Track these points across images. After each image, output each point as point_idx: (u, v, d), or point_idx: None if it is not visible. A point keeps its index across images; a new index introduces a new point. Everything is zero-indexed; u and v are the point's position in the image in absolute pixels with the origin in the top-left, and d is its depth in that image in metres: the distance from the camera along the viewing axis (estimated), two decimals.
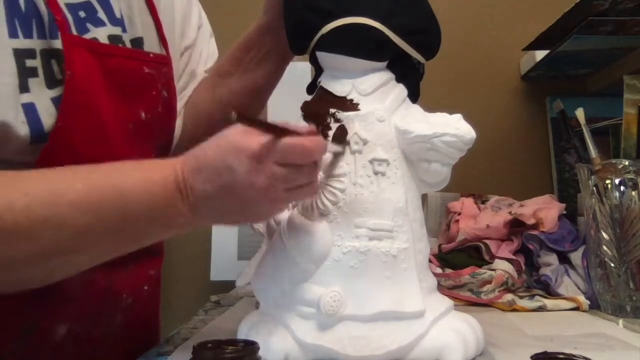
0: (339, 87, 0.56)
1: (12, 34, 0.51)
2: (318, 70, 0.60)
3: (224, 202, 0.48)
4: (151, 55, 0.64)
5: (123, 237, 0.49)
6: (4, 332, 0.55)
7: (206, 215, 0.49)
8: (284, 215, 0.55)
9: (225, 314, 0.78)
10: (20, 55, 0.52)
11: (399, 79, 0.57)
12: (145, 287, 0.71)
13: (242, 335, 0.52)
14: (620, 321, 0.70)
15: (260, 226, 0.60)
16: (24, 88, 0.51)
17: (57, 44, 0.54)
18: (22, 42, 0.52)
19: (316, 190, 0.51)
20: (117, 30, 0.61)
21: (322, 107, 0.56)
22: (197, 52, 0.75)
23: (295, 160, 0.46)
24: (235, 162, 0.45)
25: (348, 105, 0.55)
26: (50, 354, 0.58)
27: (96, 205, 0.46)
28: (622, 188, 0.74)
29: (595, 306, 0.78)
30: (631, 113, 0.85)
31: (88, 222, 0.46)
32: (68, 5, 0.56)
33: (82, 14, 0.58)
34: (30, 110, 0.52)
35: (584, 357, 0.40)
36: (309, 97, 0.60)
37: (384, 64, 0.57)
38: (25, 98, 0.51)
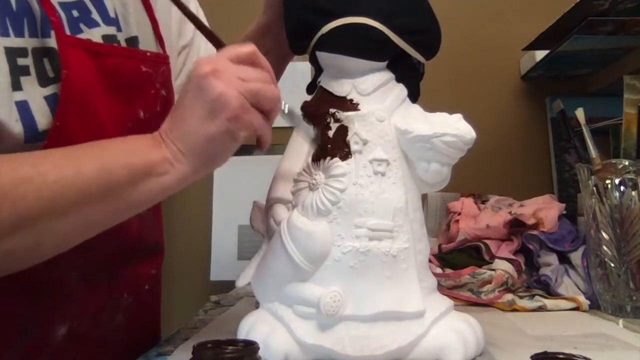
0: (339, 87, 0.56)
1: (3, 33, 0.51)
2: (318, 70, 0.60)
3: (192, 111, 0.49)
4: (148, 54, 0.64)
5: (107, 195, 0.48)
6: (3, 333, 0.55)
7: (187, 150, 0.50)
8: (284, 215, 0.55)
9: (225, 314, 0.78)
10: (12, 53, 0.51)
11: (399, 79, 0.57)
12: (146, 287, 0.71)
13: (242, 335, 0.52)
14: (620, 321, 0.70)
15: (261, 226, 0.60)
16: (16, 86, 0.51)
17: (50, 42, 0.54)
18: (14, 41, 0.52)
19: (275, 90, 0.52)
20: (111, 30, 0.61)
21: (322, 107, 0.56)
22: (194, 50, 0.75)
23: (242, 54, 0.51)
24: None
25: (348, 105, 0.55)
26: (51, 354, 0.58)
27: (76, 160, 0.48)
28: (622, 188, 0.74)
29: (595, 306, 0.78)
30: (631, 113, 0.85)
31: (69, 177, 0.46)
32: (61, 4, 0.56)
33: (75, 13, 0.57)
34: (23, 108, 0.52)
35: (584, 357, 0.40)
36: (309, 97, 0.60)
37: (384, 64, 0.57)
38: (19, 96, 0.51)
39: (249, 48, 0.51)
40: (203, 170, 0.52)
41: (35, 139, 0.52)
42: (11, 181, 0.44)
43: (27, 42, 0.53)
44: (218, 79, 0.48)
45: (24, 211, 0.45)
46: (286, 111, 0.55)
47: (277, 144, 0.70)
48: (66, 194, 0.46)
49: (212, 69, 0.48)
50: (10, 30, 0.52)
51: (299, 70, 1.05)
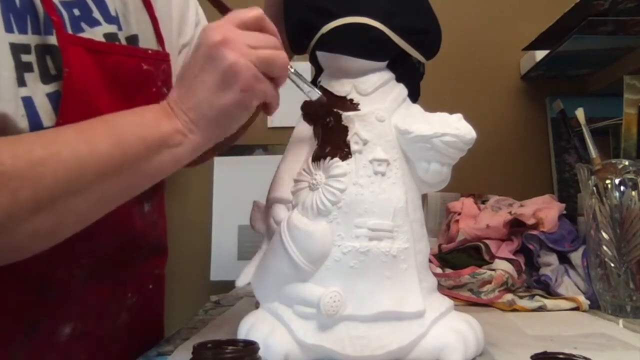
0: (339, 87, 0.56)
1: (8, 29, 0.51)
2: (318, 70, 0.60)
3: (202, 82, 0.49)
4: (149, 52, 0.64)
5: (122, 170, 0.48)
6: (7, 332, 0.55)
7: (200, 120, 0.50)
8: (284, 215, 0.55)
9: (225, 314, 0.78)
10: (16, 49, 0.52)
11: (399, 79, 0.57)
12: (150, 286, 0.71)
13: (242, 335, 0.52)
14: (620, 321, 0.70)
15: (261, 226, 0.60)
16: (21, 82, 0.52)
17: (52, 40, 0.54)
18: (18, 37, 0.52)
19: (284, 56, 0.52)
20: (112, 29, 0.61)
21: (322, 106, 0.56)
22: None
23: (248, 19, 0.51)
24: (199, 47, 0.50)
25: (348, 105, 0.55)
26: (55, 352, 0.58)
27: (88, 136, 0.48)
28: (622, 188, 0.74)
29: (595, 306, 0.78)
30: (631, 113, 0.85)
31: (83, 154, 0.47)
32: (63, 2, 0.56)
33: (76, 11, 0.58)
34: (28, 104, 0.52)
35: (584, 357, 0.40)
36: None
37: (384, 63, 0.57)
38: (24, 92, 0.52)
39: (255, 12, 0.52)
40: (215, 139, 0.52)
41: None
42: (27, 163, 0.44)
43: (30, 38, 0.53)
44: (229, 48, 0.48)
45: (43, 192, 0.45)
46: (294, 77, 0.55)
47: (277, 144, 0.70)
48: (82, 171, 0.47)
49: (223, 37, 0.48)
50: (15, 27, 0.52)
51: (299, 70, 1.05)
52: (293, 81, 0.55)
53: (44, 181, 0.45)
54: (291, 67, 0.54)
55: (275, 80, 0.52)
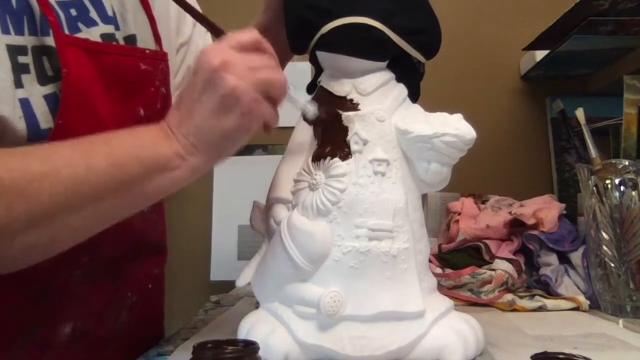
0: (339, 87, 0.56)
1: (4, 30, 0.51)
2: (318, 70, 0.60)
3: (203, 105, 0.49)
4: (147, 51, 0.64)
5: (120, 190, 0.48)
6: (8, 332, 0.55)
7: (200, 144, 0.50)
8: (284, 215, 0.55)
9: (225, 314, 0.78)
10: (13, 51, 0.51)
11: (399, 79, 0.57)
12: (150, 285, 0.71)
13: (242, 335, 0.52)
14: (620, 321, 0.70)
15: (261, 226, 0.60)
16: (18, 84, 0.51)
17: (49, 41, 0.54)
18: (14, 39, 0.52)
19: (282, 76, 0.52)
20: (109, 29, 0.61)
21: (322, 107, 0.56)
22: (193, 48, 0.75)
23: (245, 42, 0.51)
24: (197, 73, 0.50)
25: (348, 105, 0.55)
26: (55, 353, 0.58)
27: (87, 155, 0.48)
28: (622, 188, 0.74)
29: (595, 306, 0.78)
30: (631, 113, 0.85)
31: (81, 173, 0.47)
32: (59, 2, 0.56)
33: (73, 12, 0.57)
34: (26, 106, 0.52)
35: (584, 357, 0.40)
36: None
37: (384, 63, 0.57)
38: (21, 94, 0.52)
39: (252, 35, 0.51)
40: (215, 162, 0.52)
41: (38, 137, 0.52)
42: (24, 178, 0.44)
43: (26, 40, 0.53)
44: (229, 72, 0.48)
45: (38, 207, 0.45)
46: (292, 94, 0.54)
47: (277, 144, 0.70)
48: (79, 190, 0.46)
49: (222, 61, 0.48)
50: (11, 28, 0.52)
51: (299, 70, 1.05)
52: (289, 100, 0.55)
53: (40, 197, 0.45)
54: (289, 87, 0.54)
55: (274, 99, 0.52)
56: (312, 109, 0.55)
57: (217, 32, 0.56)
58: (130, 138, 0.51)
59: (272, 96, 0.51)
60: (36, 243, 0.46)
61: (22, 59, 0.52)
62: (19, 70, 0.52)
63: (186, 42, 0.74)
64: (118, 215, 0.51)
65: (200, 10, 0.78)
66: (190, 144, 0.50)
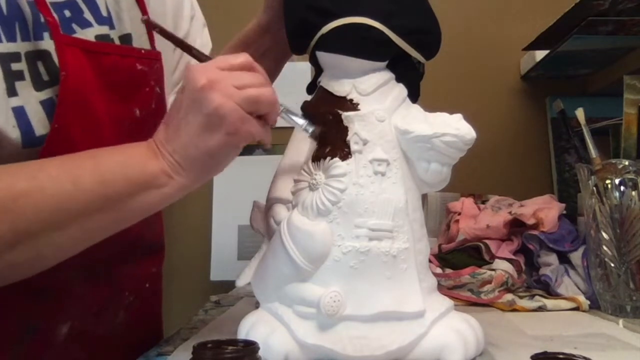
0: (339, 87, 0.56)
1: None
2: (318, 70, 0.60)
3: (188, 124, 0.49)
4: (143, 51, 0.63)
5: (106, 208, 0.48)
6: (5, 332, 0.55)
7: (186, 163, 0.49)
8: (284, 215, 0.55)
9: (225, 314, 0.78)
10: (5, 59, 0.51)
11: (399, 79, 0.57)
12: (147, 285, 0.71)
13: (242, 335, 0.52)
14: (620, 321, 0.70)
15: (261, 226, 0.60)
16: (12, 92, 0.51)
17: (43, 45, 0.53)
18: (6, 46, 0.51)
19: (272, 93, 0.51)
20: (104, 30, 0.60)
21: (322, 107, 0.56)
22: (190, 43, 0.75)
23: (236, 63, 0.50)
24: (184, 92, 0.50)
25: (348, 105, 0.55)
26: (53, 352, 0.58)
27: (73, 172, 0.48)
28: (622, 188, 0.74)
29: (595, 306, 0.78)
30: (631, 113, 0.85)
31: (67, 191, 0.46)
32: (53, 4, 0.56)
33: (67, 13, 0.57)
34: (20, 114, 0.51)
35: (584, 357, 0.40)
36: (309, 97, 0.60)
37: (384, 63, 0.57)
38: (15, 102, 0.51)
39: (243, 57, 0.51)
40: (202, 180, 0.52)
41: (33, 144, 0.52)
42: (9, 196, 0.45)
43: (19, 46, 0.52)
44: (214, 90, 0.47)
45: (24, 225, 0.45)
46: (283, 114, 0.54)
47: (277, 144, 0.70)
48: (65, 207, 0.47)
49: (207, 80, 0.48)
50: (2, 36, 0.51)
51: (299, 70, 1.05)
52: (285, 119, 0.54)
53: (26, 214, 0.45)
54: (281, 106, 0.53)
55: (265, 116, 0.51)
56: (311, 126, 0.55)
57: (204, 60, 0.55)
58: (117, 155, 0.51)
59: (261, 113, 0.51)
60: (21, 260, 0.47)
61: (15, 66, 0.52)
62: (12, 77, 0.51)
63: (184, 38, 0.74)
64: (104, 232, 0.51)
65: (200, 14, 0.78)
66: (175, 162, 0.50)
